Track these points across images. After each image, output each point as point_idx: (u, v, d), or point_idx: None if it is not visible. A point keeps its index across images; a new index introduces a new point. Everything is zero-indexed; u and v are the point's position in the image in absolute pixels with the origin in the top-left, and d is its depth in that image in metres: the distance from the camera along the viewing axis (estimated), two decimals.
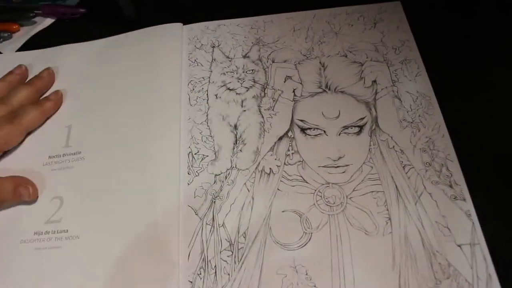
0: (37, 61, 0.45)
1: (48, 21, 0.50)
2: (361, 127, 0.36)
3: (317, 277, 0.30)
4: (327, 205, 0.33)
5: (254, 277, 0.30)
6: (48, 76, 0.42)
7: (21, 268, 0.33)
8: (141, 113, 0.39)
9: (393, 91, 0.38)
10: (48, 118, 0.41)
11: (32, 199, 0.36)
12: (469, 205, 0.32)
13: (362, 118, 0.36)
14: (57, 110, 0.41)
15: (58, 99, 0.41)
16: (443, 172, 0.33)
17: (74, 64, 0.44)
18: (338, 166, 0.34)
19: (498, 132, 0.35)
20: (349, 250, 0.31)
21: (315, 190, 0.33)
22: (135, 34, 0.45)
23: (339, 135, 0.36)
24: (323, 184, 0.34)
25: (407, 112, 0.36)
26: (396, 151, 0.35)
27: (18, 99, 0.39)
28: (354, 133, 0.36)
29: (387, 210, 0.32)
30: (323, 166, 0.34)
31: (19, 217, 0.36)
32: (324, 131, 0.36)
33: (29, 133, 0.40)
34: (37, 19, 0.50)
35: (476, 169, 0.33)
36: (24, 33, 0.49)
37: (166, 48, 0.43)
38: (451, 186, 0.33)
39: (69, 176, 0.37)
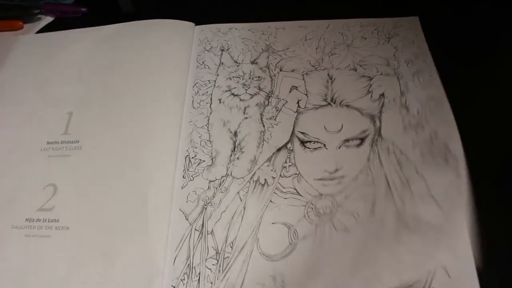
0: (46, 43, 0.46)
1: (50, 20, 0.50)
2: (362, 139, 0.35)
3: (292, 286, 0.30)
4: (317, 216, 0.32)
5: (236, 287, 0.30)
6: None
7: (9, 253, 0.34)
8: (144, 110, 0.39)
9: (401, 101, 0.37)
10: None
11: None
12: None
13: (365, 131, 0.36)
14: None
15: None
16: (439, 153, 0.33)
17: (81, 49, 0.45)
18: (334, 179, 0.34)
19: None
20: (328, 253, 0.30)
21: (307, 203, 0.33)
22: (147, 23, 0.45)
23: (339, 148, 0.35)
24: (316, 196, 0.33)
25: (413, 117, 0.36)
26: (395, 154, 0.34)
27: None
28: (355, 145, 0.35)
29: (373, 206, 0.32)
30: (318, 179, 0.34)
31: (13, 201, 0.36)
32: (324, 145, 0.36)
33: (29, 117, 0.41)
34: (40, 17, 0.50)
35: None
36: (27, 31, 0.49)
37: (176, 47, 0.43)
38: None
39: (65, 164, 0.37)
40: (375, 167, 0.34)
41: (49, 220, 0.35)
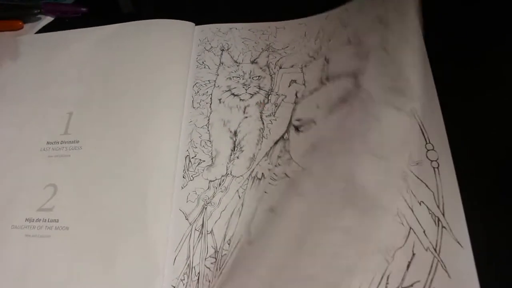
0: (46, 43, 0.46)
1: (50, 20, 0.51)
2: (345, 98, 0.35)
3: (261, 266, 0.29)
4: (295, 190, 0.32)
5: (227, 280, 0.30)
6: None
7: (9, 253, 0.34)
8: (144, 109, 0.39)
9: (382, 44, 0.35)
10: None
11: None
12: None
13: (348, 89, 0.35)
14: None
15: None
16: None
17: (82, 49, 0.45)
18: (315, 148, 0.33)
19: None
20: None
21: (290, 180, 0.33)
22: (147, 23, 0.45)
23: (326, 118, 0.35)
24: (296, 171, 0.33)
25: (387, 53, 0.34)
26: (363, 97, 0.33)
27: None
28: (337, 107, 0.35)
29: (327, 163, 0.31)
30: (303, 153, 0.34)
31: (13, 201, 0.36)
32: (315, 122, 0.35)
33: (29, 117, 0.41)
34: (40, 17, 0.50)
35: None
36: (27, 31, 0.50)
37: (176, 47, 0.43)
38: None
39: (65, 164, 0.37)
40: (344, 119, 0.33)
41: (49, 220, 0.35)
